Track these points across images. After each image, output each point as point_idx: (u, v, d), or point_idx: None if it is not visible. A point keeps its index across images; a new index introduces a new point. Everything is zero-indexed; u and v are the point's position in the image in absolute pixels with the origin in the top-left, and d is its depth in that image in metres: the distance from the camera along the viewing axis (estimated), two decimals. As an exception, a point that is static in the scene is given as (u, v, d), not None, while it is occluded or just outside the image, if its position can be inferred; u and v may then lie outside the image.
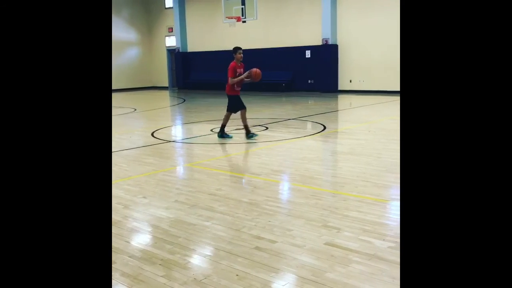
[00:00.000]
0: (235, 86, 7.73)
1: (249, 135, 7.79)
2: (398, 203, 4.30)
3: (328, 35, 17.52)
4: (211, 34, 21.71)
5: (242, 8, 16.83)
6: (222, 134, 7.93)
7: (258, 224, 3.70)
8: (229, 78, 7.64)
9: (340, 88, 17.94)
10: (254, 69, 7.66)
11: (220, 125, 8.05)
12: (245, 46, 20.22)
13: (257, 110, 12.49)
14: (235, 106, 7.79)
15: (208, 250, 3.29)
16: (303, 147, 7.26)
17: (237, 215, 3.95)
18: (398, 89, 17.41)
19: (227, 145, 7.50)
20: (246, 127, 7.82)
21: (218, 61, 21.21)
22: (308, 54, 18.23)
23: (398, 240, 3.28)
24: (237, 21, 17.05)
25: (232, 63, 7.67)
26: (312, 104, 14.25)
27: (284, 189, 5.01)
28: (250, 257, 3.07)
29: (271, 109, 12.98)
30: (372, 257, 3.00)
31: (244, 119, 7.79)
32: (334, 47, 17.67)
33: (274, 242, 3.32)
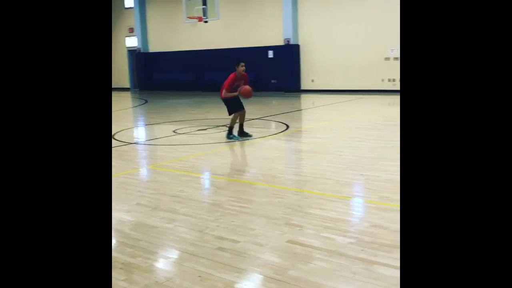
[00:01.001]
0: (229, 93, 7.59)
1: (230, 135, 7.73)
2: (359, 199, 4.39)
3: (289, 35, 17.68)
4: (173, 35, 21.48)
5: (204, 8, 16.74)
6: (240, 134, 7.80)
7: (221, 224, 3.69)
8: (224, 89, 7.53)
9: (302, 87, 18.13)
10: (244, 87, 7.57)
11: (228, 128, 7.88)
12: (207, 46, 20.19)
13: (222, 110, 12.44)
14: (234, 106, 7.68)
15: (170, 253, 3.25)
16: (266, 146, 7.29)
17: (200, 216, 3.93)
18: (359, 88, 17.72)
19: (190, 146, 7.44)
20: (230, 128, 7.75)
21: (181, 61, 21.02)
22: (270, 54, 18.33)
23: (359, 236, 3.35)
24: (199, 21, 16.94)
25: (231, 75, 7.54)
26: (275, 104, 14.35)
27: (247, 188, 5.02)
28: (213, 258, 3.06)
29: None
30: (333, 254, 3.05)
31: (234, 121, 7.73)
32: (296, 47, 17.85)
33: (237, 242, 3.32)
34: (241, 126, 7.78)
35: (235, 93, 7.53)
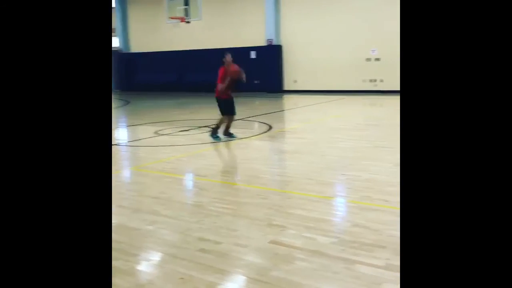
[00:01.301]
0: (226, 90, 7.59)
1: (214, 135, 7.72)
2: (340, 199, 4.42)
3: (272, 35, 17.73)
4: (155, 35, 21.33)
5: (186, 9, 16.68)
6: (225, 134, 7.82)
7: (203, 226, 3.68)
8: (219, 84, 7.53)
9: (285, 88, 18.20)
10: (231, 70, 7.61)
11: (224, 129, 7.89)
12: (190, 46, 20.10)
13: (205, 111, 12.41)
14: (229, 109, 7.69)
15: (151, 255, 3.22)
16: (249, 147, 7.30)
17: (182, 218, 3.91)
18: (341, 88, 17.82)
19: (172, 148, 7.40)
20: (216, 127, 7.77)
21: (163, 62, 20.88)
22: (253, 54, 18.35)
23: (340, 235, 3.38)
24: (181, 21, 16.87)
25: (221, 69, 7.56)
26: (258, 105, 14.37)
27: (230, 189, 5.02)
28: (195, 259, 3.05)
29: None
30: (315, 254, 3.07)
31: (222, 122, 7.74)
32: (279, 48, 17.91)
33: (219, 243, 3.31)
34: (227, 127, 7.79)
35: (227, 83, 7.54)
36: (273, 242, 3.29)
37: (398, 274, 2.69)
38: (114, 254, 3.20)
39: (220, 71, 7.56)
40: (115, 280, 2.81)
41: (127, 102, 16.61)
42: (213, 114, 11.62)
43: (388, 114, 10.76)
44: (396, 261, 2.85)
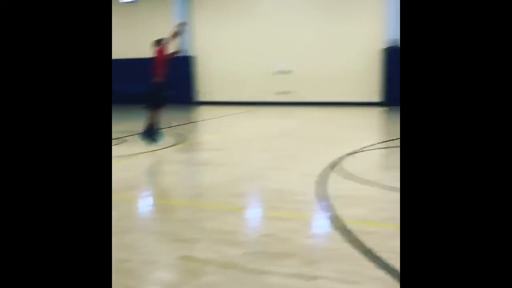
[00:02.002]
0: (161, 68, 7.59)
1: (151, 136, 7.56)
2: (252, 210, 4.47)
3: (185, 46, 17.63)
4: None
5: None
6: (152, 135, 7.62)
7: (110, 243, 3.50)
8: (158, 63, 7.64)
9: (199, 99, 18.15)
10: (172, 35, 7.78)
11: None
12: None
13: (115, 122, 11.93)
14: (159, 99, 7.54)
15: (52, 278, 3.00)
16: (161, 159, 7.14)
17: (87, 236, 3.69)
18: (254, 100, 18.16)
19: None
20: (152, 126, 7.58)
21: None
22: (166, 65, 18.09)
23: (251, 246, 3.40)
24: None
25: (159, 49, 7.79)
26: (172, 116, 14.14)
27: (140, 205, 4.85)
28: (100, 280, 2.88)
29: (130, 121, 12.55)
30: (226, 266, 3.06)
31: (154, 117, 7.58)
32: (192, 59, 17.84)
33: (127, 261, 3.17)
34: (156, 123, 7.74)
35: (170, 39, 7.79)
36: (183, 257, 3.23)
37: (308, 282, 2.78)
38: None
39: (158, 51, 7.76)
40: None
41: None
42: (125, 125, 11.26)
43: (299, 125, 11.15)
44: (305, 269, 2.93)
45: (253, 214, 4.36)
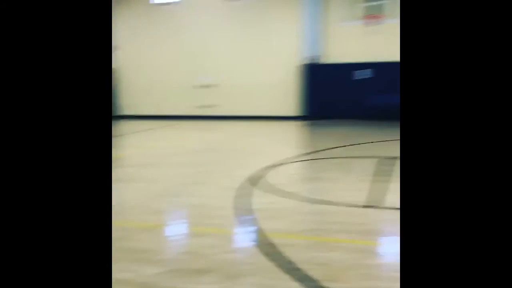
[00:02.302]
0: None
1: None
2: (172, 227, 4.37)
3: (104, 59, 17.07)
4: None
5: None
6: None
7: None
8: None
9: (124, 113, 17.62)
10: None
11: None
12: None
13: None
14: None
15: None
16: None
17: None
18: (176, 113, 17.91)
19: None
20: None
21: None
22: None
23: (170, 264, 3.32)
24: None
25: None
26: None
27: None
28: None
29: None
30: (144, 285, 2.95)
31: None
32: (115, 72, 17.30)
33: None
34: None
35: None
36: (97, 279, 3.06)
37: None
38: None
39: None
40: None
41: None
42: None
43: (222, 139, 11.17)
44: (224, 285, 2.91)
45: (173, 231, 4.27)
